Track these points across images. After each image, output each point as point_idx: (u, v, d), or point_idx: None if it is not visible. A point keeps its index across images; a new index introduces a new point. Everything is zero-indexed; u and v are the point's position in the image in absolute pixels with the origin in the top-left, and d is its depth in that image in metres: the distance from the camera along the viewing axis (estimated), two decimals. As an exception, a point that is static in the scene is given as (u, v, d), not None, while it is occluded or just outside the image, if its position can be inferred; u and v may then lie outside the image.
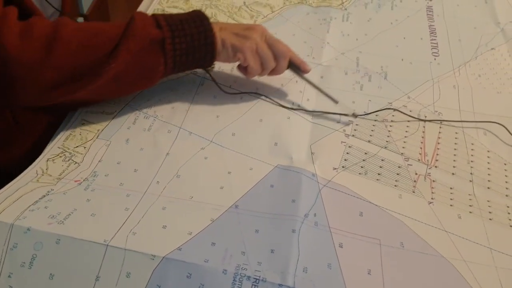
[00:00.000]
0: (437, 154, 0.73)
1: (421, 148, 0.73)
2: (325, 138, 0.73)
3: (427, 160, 0.71)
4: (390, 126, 0.76)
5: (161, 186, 0.64)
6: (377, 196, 0.65)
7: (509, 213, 0.65)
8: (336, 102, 0.76)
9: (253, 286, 0.53)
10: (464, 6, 1.08)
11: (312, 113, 0.77)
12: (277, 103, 0.78)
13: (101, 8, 1.73)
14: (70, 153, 0.69)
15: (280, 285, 0.53)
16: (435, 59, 0.92)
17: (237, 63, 0.75)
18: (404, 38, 0.97)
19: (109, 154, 0.69)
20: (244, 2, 1.04)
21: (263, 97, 0.79)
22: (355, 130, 0.75)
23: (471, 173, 0.70)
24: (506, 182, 0.70)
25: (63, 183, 0.64)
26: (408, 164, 0.70)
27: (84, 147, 0.70)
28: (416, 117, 0.78)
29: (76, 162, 0.67)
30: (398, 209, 0.64)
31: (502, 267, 0.58)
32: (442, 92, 0.84)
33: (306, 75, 0.77)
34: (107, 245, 0.55)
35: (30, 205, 0.59)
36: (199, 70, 0.82)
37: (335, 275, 0.55)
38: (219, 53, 0.71)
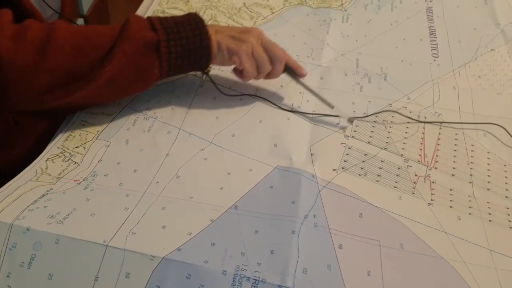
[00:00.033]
0: (437, 156, 0.72)
1: (420, 149, 0.73)
2: (325, 139, 0.73)
3: (427, 162, 0.71)
4: (390, 127, 0.76)
5: (160, 186, 0.64)
6: (376, 197, 0.65)
7: (509, 215, 0.65)
8: (331, 107, 0.75)
9: (253, 287, 0.53)
10: (464, 7, 1.08)
11: (312, 112, 0.77)
12: (275, 105, 0.78)
13: (101, 9, 1.73)
14: (70, 153, 0.69)
15: (279, 286, 0.53)
16: (435, 60, 0.92)
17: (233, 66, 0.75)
18: (404, 39, 0.97)
19: (108, 154, 0.69)
20: (244, 3, 1.04)
21: (262, 99, 0.79)
22: (354, 131, 0.75)
23: (471, 175, 0.70)
24: (506, 183, 0.70)
25: (62, 182, 0.64)
26: (407, 166, 0.70)
27: (84, 148, 0.70)
28: (416, 118, 0.78)
29: (75, 162, 0.67)
30: (397, 211, 0.64)
31: (502, 269, 0.58)
32: (442, 93, 0.84)
33: (302, 79, 0.77)
34: (107, 245, 0.55)
35: (29, 205, 0.59)
36: (198, 72, 0.81)
37: (334, 276, 0.55)
38: (215, 56, 0.71)
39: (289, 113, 0.77)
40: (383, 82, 0.86)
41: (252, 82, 0.79)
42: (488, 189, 0.68)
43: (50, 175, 0.65)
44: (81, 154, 0.69)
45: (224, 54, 0.71)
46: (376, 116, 0.77)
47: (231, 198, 0.63)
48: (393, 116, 0.78)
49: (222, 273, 0.53)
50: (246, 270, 0.54)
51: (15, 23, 0.64)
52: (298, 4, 1.05)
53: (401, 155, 0.72)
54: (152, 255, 0.54)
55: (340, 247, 0.58)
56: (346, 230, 0.61)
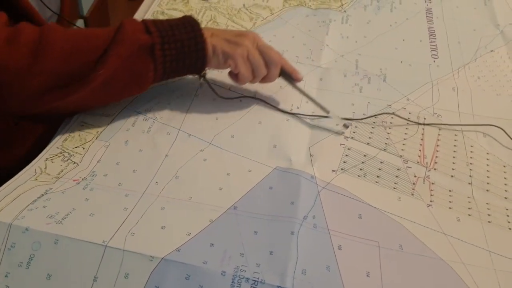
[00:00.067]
0: (436, 157, 0.72)
1: (420, 150, 0.73)
2: (324, 140, 0.73)
3: (426, 163, 0.71)
4: (389, 128, 0.76)
5: (160, 186, 0.64)
6: (376, 199, 0.65)
7: (508, 216, 0.65)
8: (327, 112, 0.75)
9: (252, 288, 0.53)
10: (463, 8, 1.08)
11: (311, 114, 0.77)
12: (274, 107, 0.78)
13: (101, 10, 1.73)
14: (69, 153, 0.69)
15: (278, 286, 0.53)
16: (434, 61, 0.92)
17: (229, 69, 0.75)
18: (403, 40, 0.97)
19: (108, 155, 0.69)
20: (244, 4, 1.04)
21: (261, 101, 0.79)
22: (354, 132, 0.75)
23: (470, 176, 0.70)
24: (505, 184, 0.70)
25: (61, 182, 0.64)
26: (407, 167, 0.70)
27: (83, 148, 0.70)
28: (415, 119, 0.78)
29: (74, 162, 0.67)
30: (397, 212, 0.64)
31: (501, 270, 0.58)
32: (441, 94, 0.84)
33: (298, 83, 0.77)
34: (106, 245, 0.55)
35: (28, 204, 0.59)
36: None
37: (333, 277, 0.55)
38: (210, 60, 0.71)
39: (289, 114, 0.77)
40: (383, 83, 0.86)
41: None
42: (487, 190, 0.68)
43: (49, 174, 0.65)
44: (80, 154, 0.69)
45: (219, 58, 0.70)
46: (376, 118, 0.77)
47: (230, 198, 0.63)
48: (392, 118, 0.78)
49: (221, 273, 0.53)
50: (245, 271, 0.54)
51: (13, 24, 0.64)
52: (298, 5, 1.05)
53: (401, 156, 0.72)
54: (151, 256, 0.54)
55: (339, 248, 0.58)
56: (345, 231, 0.61)
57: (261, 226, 0.60)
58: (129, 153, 0.69)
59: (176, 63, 0.69)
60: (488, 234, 0.62)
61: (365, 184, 0.67)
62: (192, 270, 0.54)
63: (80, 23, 1.60)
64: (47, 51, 0.62)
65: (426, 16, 1.05)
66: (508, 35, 0.99)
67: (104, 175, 0.66)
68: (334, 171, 0.69)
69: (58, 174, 0.65)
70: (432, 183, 0.68)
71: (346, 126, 0.74)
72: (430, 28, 1.01)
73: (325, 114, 0.76)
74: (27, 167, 0.67)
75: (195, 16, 0.98)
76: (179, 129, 0.73)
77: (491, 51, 0.96)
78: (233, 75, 0.74)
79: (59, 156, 0.68)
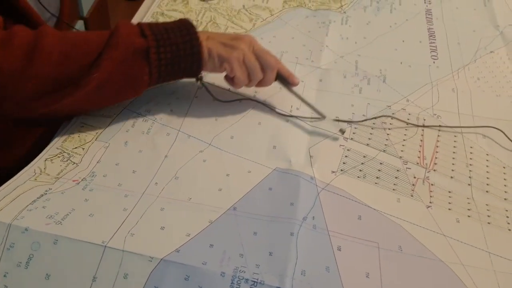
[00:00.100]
0: (436, 158, 0.72)
1: (419, 151, 0.73)
2: (324, 141, 0.73)
3: (426, 164, 0.71)
4: (389, 129, 0.76)
5: (159, 187, 0.64)
6: (375, 200, 0.65)
7: (507, 217, 0.65)
8: (323, 117, 0.75)
9: (251, 289, 0.53)
10: (463, 9, 1.08)
11: (311, 115, 0.77)
12: (272, 109, 0.77)
13: (101, 11, 1.73)
14: (69, 154, 0.69)
15: (278, 287, 0.53)
16: (434, 62, 0.92)
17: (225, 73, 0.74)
18: (403, 41, 0.97)
19: (107, 155, 0.69)
20: (243, 6, 1.04)
21: (260, 103, 0.78)
22: (353, 133, 0.75)
23: (469, 177, 0.70)
24: (505, 185, 0.70)
25: (61, 182, 0.64)
26: (406, 168, 0.70)
27: (83, 149, 0.70)
28: (415, 120, 0.78)
29: (74, 163, 0.67)
30: (396, 213, 0.64)
31: (501, 271, 0.58)
32: (441, 95, 0.84)
33: (295, 88, 0.76)
34: (105, 246, 0.55)
35: (28, 205, 0.59)
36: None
37: (333, 278, 0.55)
38: (206, 63, 0.70)
39: (286, 116, 0.77)
40: (382, 84, 0.86)
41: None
42: (487, 192, 0.68)
43: (48, 175, 0.65)
44: (80, 154, 0.69)
45: (215, 61, 0.70)
46: (374, 123, 0.77)
47: (230, 199, 0.63)
48: (392, 119, 0.78)
49: (221, 274, 0.53)
50: (244, 272, 0.54)
51: (12, 25, 0.64)
52: (297, 6, 1.05)
53: (400, 157, 0.72)
54: (150, 256, 0.54)
55: (339, 249, 0.58)
56: (345, 232, 0.61)
57: (260, 227, 0.60)
58: (129, 154, 0.69)
59: (172, 67, 0.68)
60: (488, 235, 0.62)
61: (365, 185, 0.67)
62: (191, 271, 0.54)
63: (80, 24, 1.60)
64: (42, 55, 0.61)
65: (426, 17, 1.05)
66: (507, 36, 1.00)
67: (103, 176, 0.66)
68: (333, 172, 0.69)
69: (58, 175, 0.65)
70: (432, 184, 0.68)
71: (342, 132, 0.74)
72: (429, 29, 1.01)
73: (322, 118, 0.76)
74: (26, 168, 0.67)
75: (195, 17, 0.98)
76: (179, 130, 0.73)
77: (491, 52, 0.96)
78: (229, 78, 0.74)
79: (59, 157, 0.68)
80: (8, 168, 0.68)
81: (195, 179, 0.66)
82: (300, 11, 1.04)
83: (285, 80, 0.75)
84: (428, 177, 0.69)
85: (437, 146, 0.74)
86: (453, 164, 0.72)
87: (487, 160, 0.73)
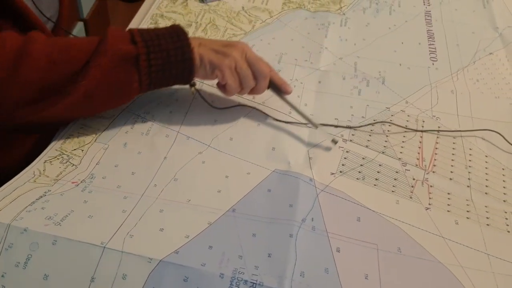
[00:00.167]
0: (435, 159, 0.73)
1: (418, 153, 0.73)
2: (323, 143, 0.73)
3: (425, 165, 0.71)
4: (388, 131, 0.76)
5: (158, 189, 0.64)
6: (374, 202, 0.65)
7: (506, 219, 0.65)
8: (316, 127, 0.74)
9: (250, 290, 0.53)
10: (462, 11, 1.08)
11: (310, 117, 0.77)
12: (269, 115, 0.77)
13: (101, 13, 1.73)
14: (68, 155, 0.69)
15: (277, 289, 0.53)
16: (433, 64, 0.92)
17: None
18: (402, 43, 0.97)
19: (106, 157, 0.69)
20: (243, 7, 1.04)
21: (257, 109, 0.78)
22: (352, 135, 0.75)
23: (468, 179, 0.70)
24: (504, 187, 0.70)
25: (60, 184, 0.64)
26: (405, 169, 0.70)
27: (82, 150, 0.70)
28: (414, 122, 0.78)
29: (73, 164, 0.67)
30: (395, 215, 0.64)
31: (500, 273, 0.58)
32: (440, 97, 0.84)
33: (287, 97, 0.75)
34: (104, 247, 0.55)
35: (27, 206, 0.59)
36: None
37: (332, 280, 0.55)
38: (197, 70, 0.69)
39: (287, 116, 0.77)
40: (381, 86, 0.86)
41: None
42: (486, 193, 0.68)
43: (48, 176, 0.65)
44: (79, 156, 0.69)
45: (206, 68, 0.69)
46: (372, 130, 0.77)
47: (229, 201, 0.63)
48: (391, 120, 0.78)
49: (220, 276, 0.53)
50: (243, 273, 0.54)
51: (12, 27, 0.64)
52: (297, 8, 1.05)
53: (399, 159, 0.72)
54: (149, 258, 0.54)
55: (338, 251, 0.58)
56: (344, 233, 0.61)
57: (259, 228, 0.60)
58: (128, 156, 0.69)
59: (163, 73, 0.67)
60: (487, 237, 0.62)
61: (364, 187, 0.67)
62: (190, 272, 0.54)
63: (79, 26, 1.60)
64: (29, 62, 0.61)
65: (425, 19, 1.05)
66: (507, 37, 1.00)
67: (102, 178, 0.66)
68: (332, 173, 0.69)
69: (57, 176, 0.65)
70: (431, 186, 0.68)
71: (334, 142, 0.73)
72: (429, 30, 1.01)
73: (326, 118, 0.75)
74: (26, 169, 0.67)
75: (194, 18, 0.98)
76: (178, 132, 0.73)
77: (490, 53, 0.96)
78: (221, 86, 0.73)
79: (58, 158, 0.68)
80: (7, 170, 0.68)
81: (194, 181, 0.66)
82: (300, 12, 1.04)
83: (278, 88, 0.74)
84: (427, 179, 0.69)
85: (436, 148, 0.74)
86: (452, 166, 0.72)
87: (486, 162, 0.73)
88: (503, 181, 0.71)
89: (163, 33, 0.67)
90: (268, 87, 0.74)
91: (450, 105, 0.83)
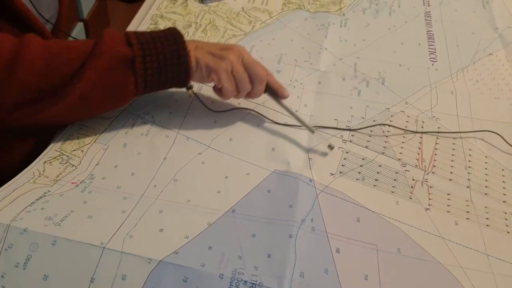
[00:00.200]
0: (435, 160, 0.73)
1: (418, 154, 0.73)
2: (321, 147, 0.73)
3: (425, 166, 0.71)
4: (388, 131, 0.76)
5: (158, 189, 0.64)
6: (374, 202, 0.65)
7: (506, 219, 0.65)
8: (312, 132, 0.73)
9: (250, 291, 0.53)
10: (462, 11, 1.08)
11: (310, 117, 0.77)
12: (268, 119, 0.77)
13: (100, 13, 1.74)
14: (68, 156, 0.69)
15: (276, 289, 0.53)
16: (433, 64, 0.92)
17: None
18: (402, 43, 0.97)
19: (106, 157, 0.69)
20: (243, 8, 1.04)
21: (256, 112, 0.78)
22: (352, 135, 0.75)
23: (468, 179, 0.70)
24: (504, 188, 0.70)
25: (60, 184, 0.64)
26: (405, 170, 0.70)
27: (82, 151, 0.70)
28: (414, 122, 0.78)
29: (73, 165, 0.67)
30: (395, 216, 0.64)
31: (500, 274, 0.58)
32: (439, 98, 0.84)
33: (284, 101, 0.74)
34: (104, 247, 0.55)
35: (26, 206, 0.59)
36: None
37: (332, 280, 0.55)
38: (193, 73, 0.69)
39: (287, 117, 0.77)
40: (381, 86, 0.86)
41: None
42: (485, 194, 0.68)
43: (47, 177, 0.65)
44: (78, 157, 0.69)
45: (202, 71, 0.69)
46: (371, 131, 0.77)
47: (229, 201, 0.63)
48: (391, 121, 0.78)
49: (219, 276, 0.53)
50: (243, 274, 0.54)
51: (11, 29, 0.64)
52: (297, 8, 1.05)
53: (399, 159, 0.72)
54: (149, 258, 0.54)
55: (338, 251, 0.58)
56: (344, 234, 0.61)
57: (259, 229, 0.60)
58: (128, 156, 0.69)
59: (159, 76, 0.67)
60: (486, 238, 0.62)
61: (363, 188, 0.67)
62: (190, 273, 0.54)
63: (79, 26, 1.60)
64: (23, 65, 0.61)
65: (425, 19, 1.05)
66: (506, 38, 1.00)
67: (102, 178, 0.66)
68: (332, 174, 0.69)
69: (57, 177, 0.65)
70: (430, 187, 0.68)
71: (331, 148, 0.72)
72: (428, 31, 1.01)
73: (326, 121, 0.75)
74: (25, 170, 0.67)
75: (194, 19, 0.98)
76: (178, 132, 0.73)
77: (490, 54, 0.96)
78: (217, 89, 0.73)
79: (58, 159, 0.68)
80: (7, 170, 0.68)
81: (193, 181, 0.66)
82: (299, 13, 1.04)
83: (275, 92, 0.74)
84: (426, 179, 0.69)
85: (435, 149, 0.74)
86: (451, 166, 0.72)
87: (485, 163, 0.73)
88: (503, 181, 0.71)
89: (159, 36, 0.67)
90: (265, 91, 0.74)
91: (450, 106, 0.83)
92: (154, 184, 0.65)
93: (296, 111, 0.78)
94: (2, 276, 0.54)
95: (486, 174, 0.71)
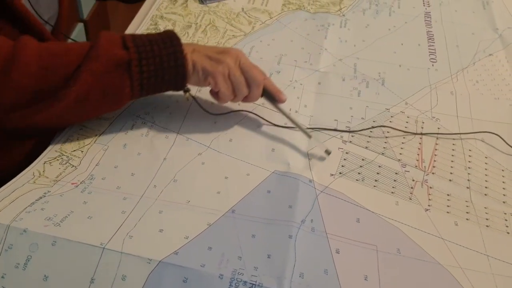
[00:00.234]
0: (435, 161, 0.73)
1: (418, 154, 0.73)
2: (323, 144, 0.73)
3: (424, 167, 0.71)
4: (388, 132, 0.76)
5: (158, 190, 0.64)
6: (374, 203, 0.65)
7: (506, 220, 0.65)
8: (309, 136, 0.73)
9: (249, 291, 0.53)
10: (462, 12, 1.08)
11: (310, 118, 0.77)
12: (267, 121, 0.77)
13: (100, 14, 1.74)
14: (67, 156, 0.69)
15: (276, 290, 0.53)
16: (433, 65, 0.92)
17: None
18: (402, 44, 0.97)
19: (106, 158, 0.69)
20: (243, 8, 1.04)
21: (254, 113, 0.78)
22: (352, 136, 0.75)
23: (468, 180, 0.70)
24: (504, 188, 0.70)
25: (59, 185, 0.64)
26: (405, 171, 0.70)
27: (82, 151, 0.70)
28: (414, 123, 0.78)
29: (73, 165, 0.67)
30: (394, 216, 0.64)
31: (499, 274, 0.58)
32: (439, 98, 0.84)
33: (281, 105, 0.74)
34: (103, 248, 0.55)
35: (26, 207, 0.59)
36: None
37: (331, 281, 0.55)
38: (190, 76, 0.69)
39: (287, 118, 0.76)
40: (381, 87, 0.86)
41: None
42: (485, 195, 0.68)
43: (47, 177, 0.65)
44: (78, 157, 0.69)
45: (199, 75, 0.68)
46: (371, 131, 0.77)
47: (228, 202, 0.63)
48: (390, 121, 0.78)
49: (219, 277, 0.53)
50: (242, 274, 0.54)
51: (11, 29, 0.64)
52: (297, 9, 1.05)
53: (399, 160, 0.72)
54: (149, 259, 0.54)
55: (337, 252, 0.58)
56: (343, 235, 0.61)
57: (259, 229, 0.60)
58: (128, 157, 0.69)
59: (155, 79, 0.67)
60: (486, 239, 0.62)
61: (363, 188, 0.67)
62: (189, 273, 0.54)
63: (80, 26, 1.60)
64: (19, 68, 0.61)
65: (425, 20, 1.05)
66: (506, 39, 1.00)
67: (102, 179, 0.66)
68: (332, 175, 0.69)
69: (57, 177, 0.65)
70: (430, 187, 0.68)
71: (328, 153, 0.71)
72: (428, 32, 1.01)
73: (327, 122, 0.75)
74: (25, 170, 0.67)
75: (194, 20, 0.98)
76: (178, 133, 0.73)
77: (490, 55, 0.96)
78: (214, 93, 0.72)
79: (58, 160, 0.68)
80: (7, 171, 0.68)
81: (193, 182, 0.66)
82: (299, 14, 1.04)
83: (272, 96, 0.74)
84: (426, 180, 0.69)
85: (435, 149, 0.74)
86: (451, 167, 0.72)
87: (485, 163, 0.73)
88: (503, 182, 0.71)
89: (156, 39, 0.67)
90: (262, 95, 0.73)
91: (449, 107, 0.83)
92: (154, 185, 0.65)
93: (296, 111, 0.78)
94: (2, 277, 0.54)
95: (486, 175, 0.71)
